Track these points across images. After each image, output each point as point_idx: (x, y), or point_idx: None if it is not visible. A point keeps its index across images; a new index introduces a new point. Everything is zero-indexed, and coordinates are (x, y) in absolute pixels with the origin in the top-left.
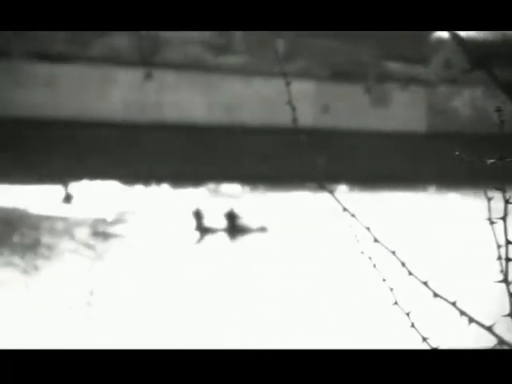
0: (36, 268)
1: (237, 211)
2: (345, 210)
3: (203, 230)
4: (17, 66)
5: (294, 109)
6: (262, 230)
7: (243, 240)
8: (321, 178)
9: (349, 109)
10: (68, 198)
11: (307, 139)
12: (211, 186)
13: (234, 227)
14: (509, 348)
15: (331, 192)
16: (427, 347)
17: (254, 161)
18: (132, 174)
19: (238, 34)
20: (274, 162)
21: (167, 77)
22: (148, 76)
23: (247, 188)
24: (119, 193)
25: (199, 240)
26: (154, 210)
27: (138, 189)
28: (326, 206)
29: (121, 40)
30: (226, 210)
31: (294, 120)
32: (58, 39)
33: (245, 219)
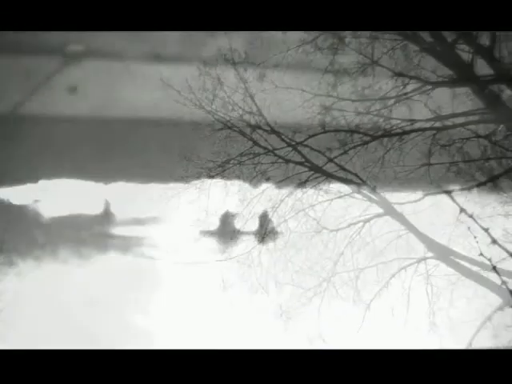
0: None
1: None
2: (462, 210)
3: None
4: (132, 67)
5: (410, 109)
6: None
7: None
8: (435, 178)
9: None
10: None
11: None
12: (328, 186)
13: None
14: None
15: (448, 193)
16: None
17: (368, 162)
18: (239, 174)
19: (349, 33)
20: (390, 163)
21: (280, 77)
22: (261, 76)
23: (363, 188)
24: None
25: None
26: (268, 209)
27: (249, 189)
28: (445, 207)
29: (234, 40)
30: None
31: (412, 122)
32: (172, 40)
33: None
